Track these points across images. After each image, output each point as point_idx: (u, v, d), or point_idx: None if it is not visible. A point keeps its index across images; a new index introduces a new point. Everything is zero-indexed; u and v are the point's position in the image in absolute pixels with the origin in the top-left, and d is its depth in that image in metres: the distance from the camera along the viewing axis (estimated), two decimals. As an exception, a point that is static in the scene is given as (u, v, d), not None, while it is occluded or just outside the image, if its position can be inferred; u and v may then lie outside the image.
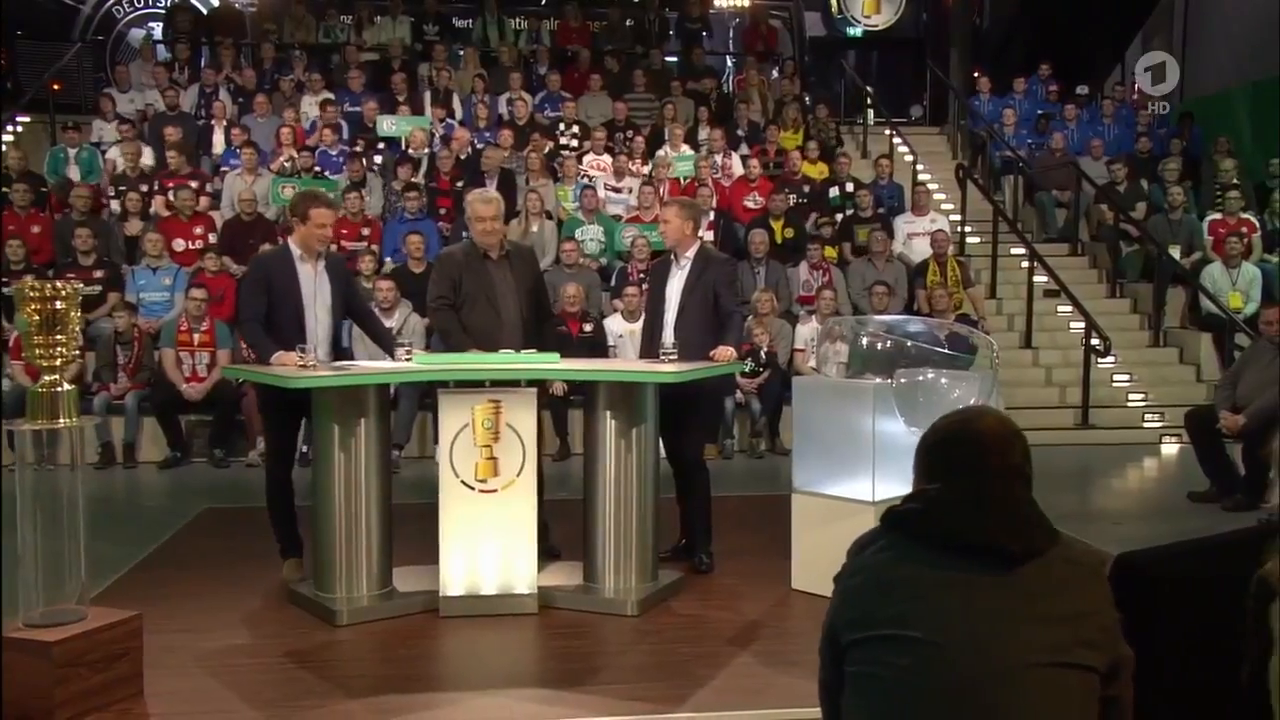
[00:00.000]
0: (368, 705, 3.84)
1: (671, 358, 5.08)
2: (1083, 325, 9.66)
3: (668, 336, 5.42)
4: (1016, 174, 12.85)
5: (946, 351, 5.21)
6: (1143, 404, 9.85)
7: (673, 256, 5.59)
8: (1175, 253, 10.92)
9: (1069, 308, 10.33)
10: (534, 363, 4.99)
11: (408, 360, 5.12)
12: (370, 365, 5.11)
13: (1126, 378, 10.09)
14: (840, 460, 4.97)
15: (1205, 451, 7.13)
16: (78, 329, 3.80)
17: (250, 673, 4.12)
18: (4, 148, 10.94)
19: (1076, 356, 9.83)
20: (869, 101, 14.63)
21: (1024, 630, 1.77)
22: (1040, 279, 10.65)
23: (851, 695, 1.86)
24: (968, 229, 12.01)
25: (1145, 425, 9.64)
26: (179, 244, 9.76)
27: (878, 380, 5.08)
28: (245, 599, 5.04)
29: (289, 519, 5.29)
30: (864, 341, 5.18)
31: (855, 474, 4.90)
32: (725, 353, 5.23)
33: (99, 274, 9.21)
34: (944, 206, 12.51)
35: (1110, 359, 10.03)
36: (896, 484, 4.95)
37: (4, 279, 9.07)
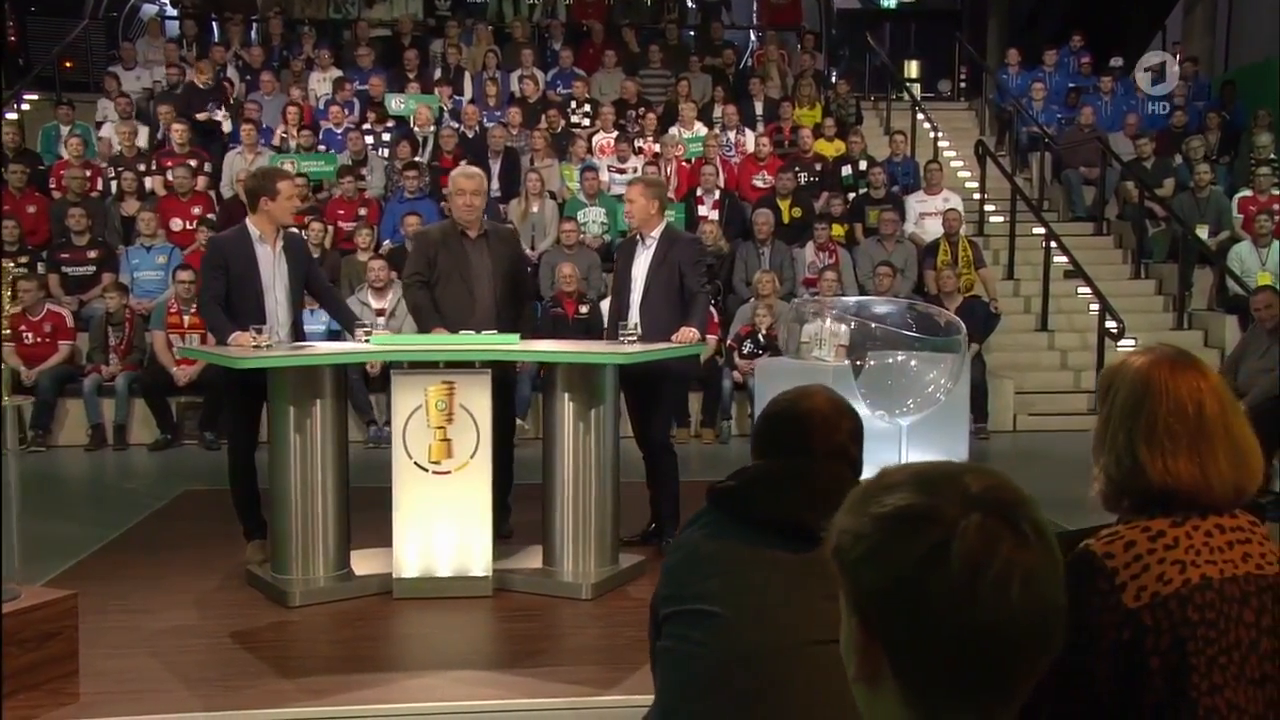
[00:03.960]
0: (301, 685, 3.95)
1: (631, 339, 5.15)
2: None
3: (633, 317, 5.48)
4: (1043, 150, 12.74)
5: (915, 334, 5.24)
6: (1163, 389, 9.74)
7: (638, 237, 5.65)
8: (1203, 232, 10.80)
9: (1089, 289, 10.25)
10: (490, 344, 5.07)
11: (366, 341, 5.22)
12: (325, 346, 5.22)
13: (1146, 362, 9.98)
14: (800, 444, 5.01)
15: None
16: (8, 309, 3.92)
17: (192, 653, 4.25)
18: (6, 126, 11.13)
19: (1094, 340, 9.76)
20: (894, 77, 14.55)
21: (817, 607, 1.82)
22: (1061, 259, 10.58)
23: (659, 669, 1.94)
24: (991, 208, 11.94)
25: (1164, 411, 9.54)
26: (176, 223, 9.95)
27: (842, 363, 5.14)
28: (203, 580, 5.18)
29: (253, 501, 5.42)
30: (815, 324, 5.21)
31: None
32: (687, 334, 5.28)
33: (93, 254, 9.41)
34: (968, 185, 12.45)
35: (1129, 342, 9.94)
36: (856, 469, 5.00)
37: (-2, 260, 9.29)
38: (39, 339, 8.69)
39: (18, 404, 4.03)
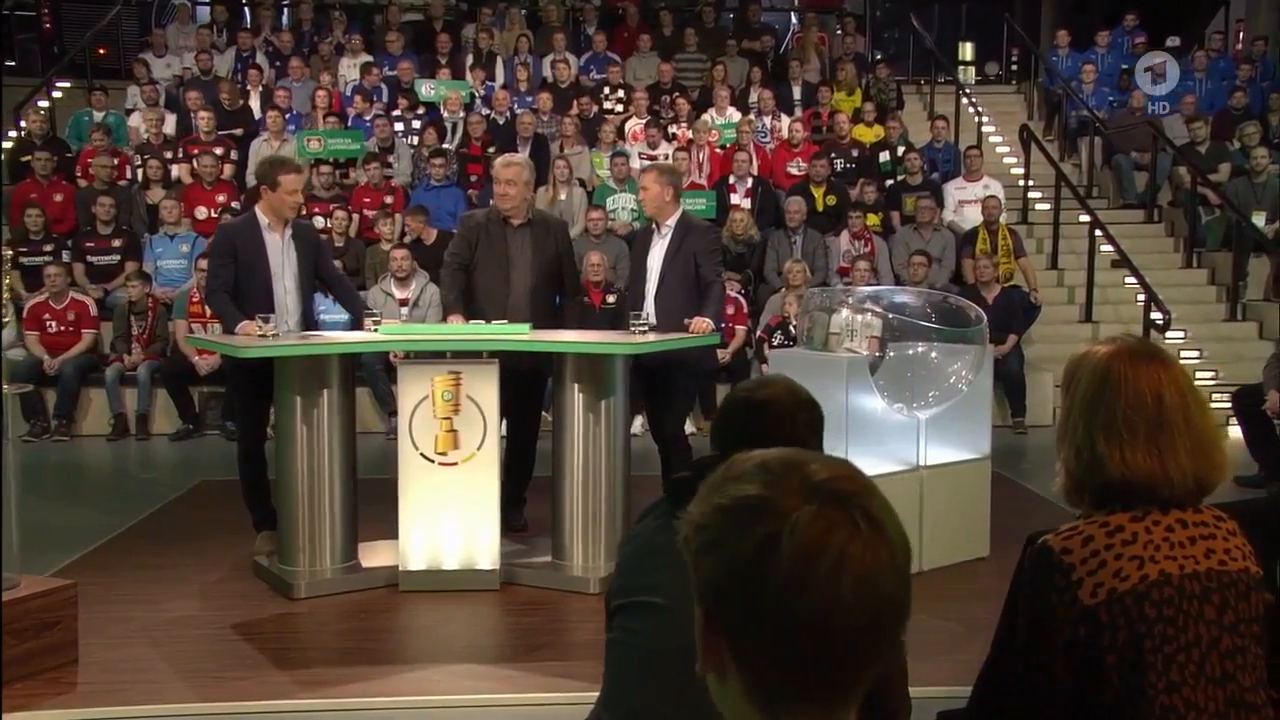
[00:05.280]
0: (297, 677, 4.02)
1: (643, 329, 5.17)
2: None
3: (648, 308, 5.51)
4: (1092, 135, 12.57)
5: (934, 325, 5.22)
6: (1212, 382, 9.61)
7: (654, 226, 5.67)
8: (1259, 219, 10.62)
9: (1136, 279, 10.12)
10: (497, 334, 5.11)
11: (374, 330, 5.28)
12: (331, 335, 5.28)
13: (1196, 354, 9.86)
14: (814, 437, 5.00)
15: (1254, 433, 7.01)
16: (8, 296, 3.99)
17: (191, 644, 4.34)
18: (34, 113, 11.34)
19: (1141, 332, 9.63)
20: (938, 59, 14.42)
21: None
22: (1108, 248, 10.45)
23: (605, 660, 1.96)
24: (1037, 195, 11.82)
25: (1213, 405, 9.43)
26: (201, 212, 10.08)
27: (875, 355, 5.14)
28: (211, 571, 5.27)
29: (262, 491, 5.49)
30: (844, 314, 5.20)
31: (829, 451, 4.91)
32: (701, 324, 5.30)
33: (118, 243, 9.58)
34: (1013, 171, 12.34)
35: (1179, 334, 9.84)
36: (871, 460, 5.00)
37: (23, 249, 9.48)
38: (63, 328, 8.86)
39: (16, 392, 4.11)
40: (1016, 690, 1.97)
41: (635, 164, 10.81)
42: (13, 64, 15.88)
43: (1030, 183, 11.83)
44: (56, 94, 13.20)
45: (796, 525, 0.98)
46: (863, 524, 0.99)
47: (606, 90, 12.42)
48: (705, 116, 11.66)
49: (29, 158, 10.35)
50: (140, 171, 10.49)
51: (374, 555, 5.22)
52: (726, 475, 1.05)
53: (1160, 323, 9.22)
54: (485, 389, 4.95)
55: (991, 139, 13.18)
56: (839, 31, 14.31)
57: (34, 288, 9.11)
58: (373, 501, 5.32)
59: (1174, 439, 1.89)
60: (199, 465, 7.80)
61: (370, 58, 12.69)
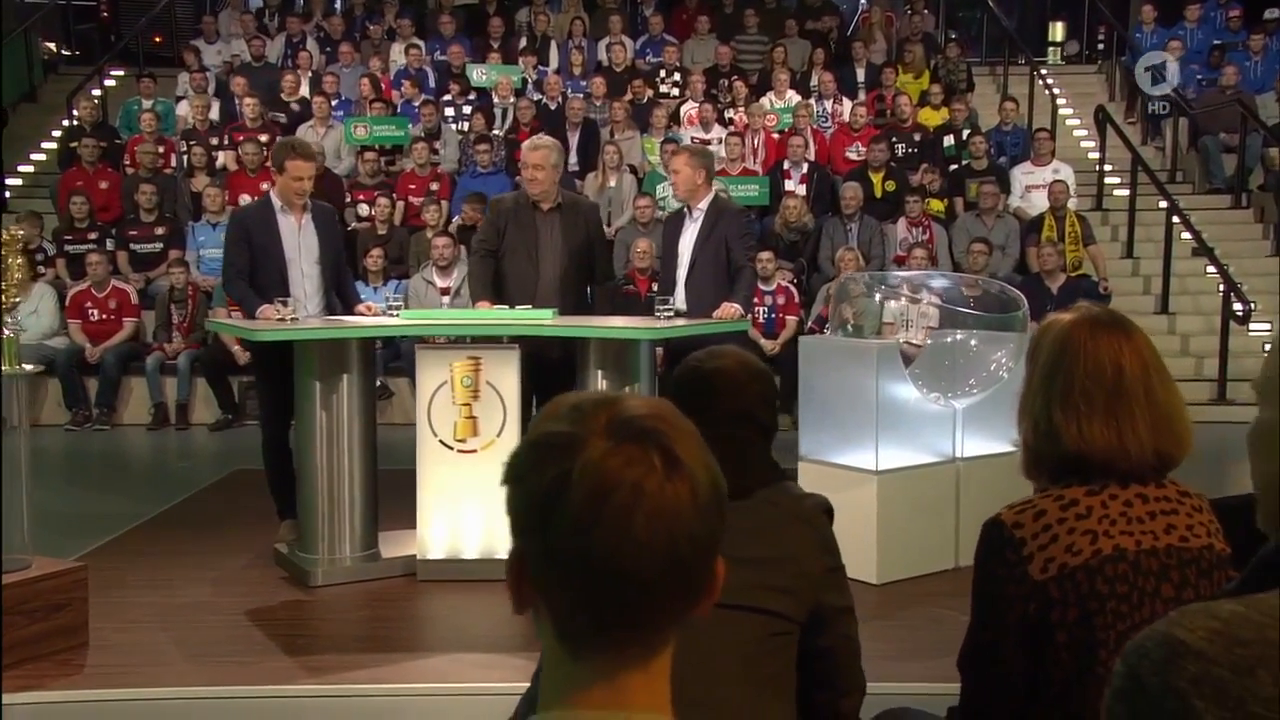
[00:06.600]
0: (305, 663, 4.13)
1: (669, 315, 5.20)
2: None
3: (679, 294, 5.55)
4: (1177, 116, 12.32)
5: (973, 311, 5.20)
6: (1298, 378, 9.39)
7: (686, 210, 5.70)
8: (1353, 205, 10.37)
9: (1216, 268, 9.93)
10: (519, 319, 5.18)
11: (395, 315, 5.38)
12: (350, 320, 5.38)
13: (1281, 348, 9.65)
14: (845, 427, 5.02)
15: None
16: (18, 276, 4.13)
17: (203, 629, 4.46)
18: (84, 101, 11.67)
19: (1219, 324, 9.46)
20: (1013, 39, 14.24)
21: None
22: (1189, 235, 10.27)
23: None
24: (1116, 180, 11.63)
25: (1298, 403, 9.20)
26: (244, 199, 10.27)
27: (916, 346, 5.14)
28: (233, 559, 5.41)
29: (286, 479, 5.59)
30: (878, 300, 5.20)
31: (860, 441, 4.94)
32: (729, 310, 5.31)
33: (160, 231, 9.83)
34: (1091, 155, 12.15)
35: (1264, 326, 9.64)
36: (903, 451, 5.00)
37: (68, 236, 9.77)
38: (104, 316, 9.13)
39: (24, 374, 4.25)
40: (971, 671, 1.98)
41: (687, 148, 10.84)
42: (68, 52, 16.35)
43: (1108, 167, 11.66)
44: (110, 82, 13.56)
45: (589, 460, 1.00)
46: (659, 460, 1.01)
47: (662, 74, 12.46)
48: (763, 100, 11.65)
49: (76, 144, 10.65)
50: (185, 159, 10.75)
51: (395, 544, 5.31)
52: (544, 414, 1.09)
53: (1241, 314, 9.05)
54: (505, 375, 5.01)
55: (1069, 122, 13.00)
56: (908, 11, 14.18)
57: (79, 276, 9.39)
58: (405, 491, 5.38)
59: (1133, 410, 1.89)
60: (235, 455, 7.95)
61: (418, 41, 12.84)
